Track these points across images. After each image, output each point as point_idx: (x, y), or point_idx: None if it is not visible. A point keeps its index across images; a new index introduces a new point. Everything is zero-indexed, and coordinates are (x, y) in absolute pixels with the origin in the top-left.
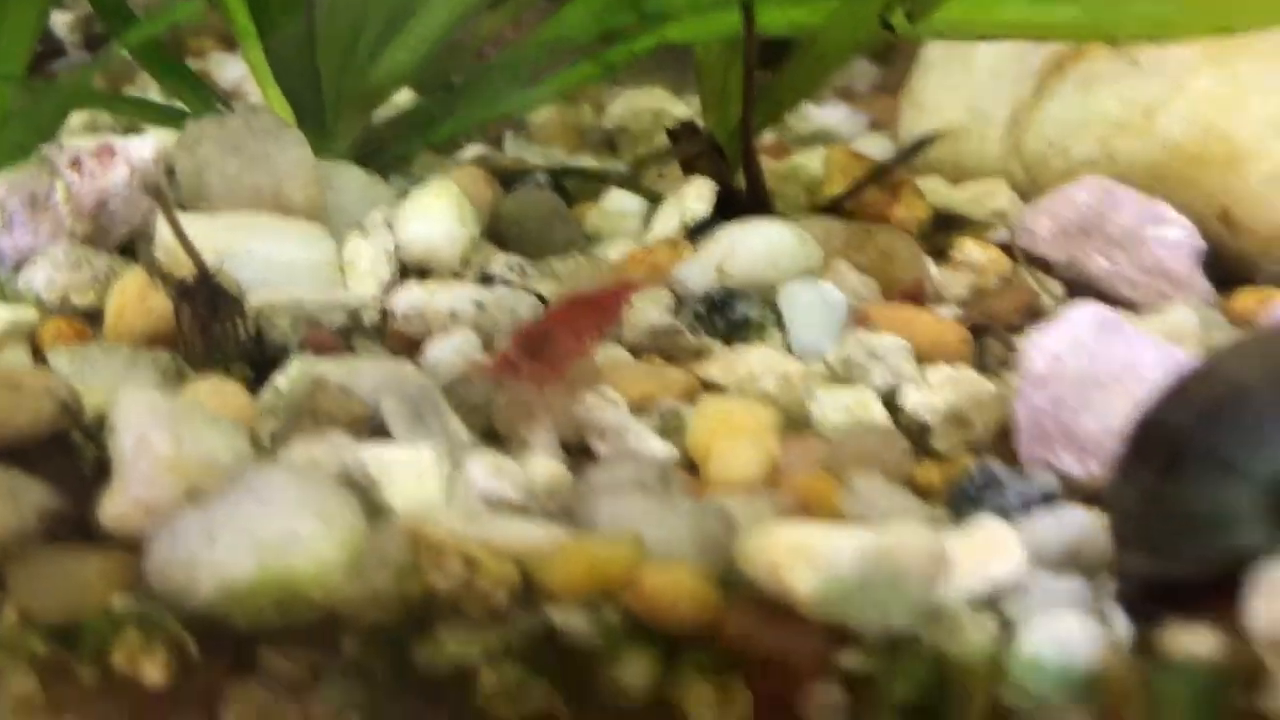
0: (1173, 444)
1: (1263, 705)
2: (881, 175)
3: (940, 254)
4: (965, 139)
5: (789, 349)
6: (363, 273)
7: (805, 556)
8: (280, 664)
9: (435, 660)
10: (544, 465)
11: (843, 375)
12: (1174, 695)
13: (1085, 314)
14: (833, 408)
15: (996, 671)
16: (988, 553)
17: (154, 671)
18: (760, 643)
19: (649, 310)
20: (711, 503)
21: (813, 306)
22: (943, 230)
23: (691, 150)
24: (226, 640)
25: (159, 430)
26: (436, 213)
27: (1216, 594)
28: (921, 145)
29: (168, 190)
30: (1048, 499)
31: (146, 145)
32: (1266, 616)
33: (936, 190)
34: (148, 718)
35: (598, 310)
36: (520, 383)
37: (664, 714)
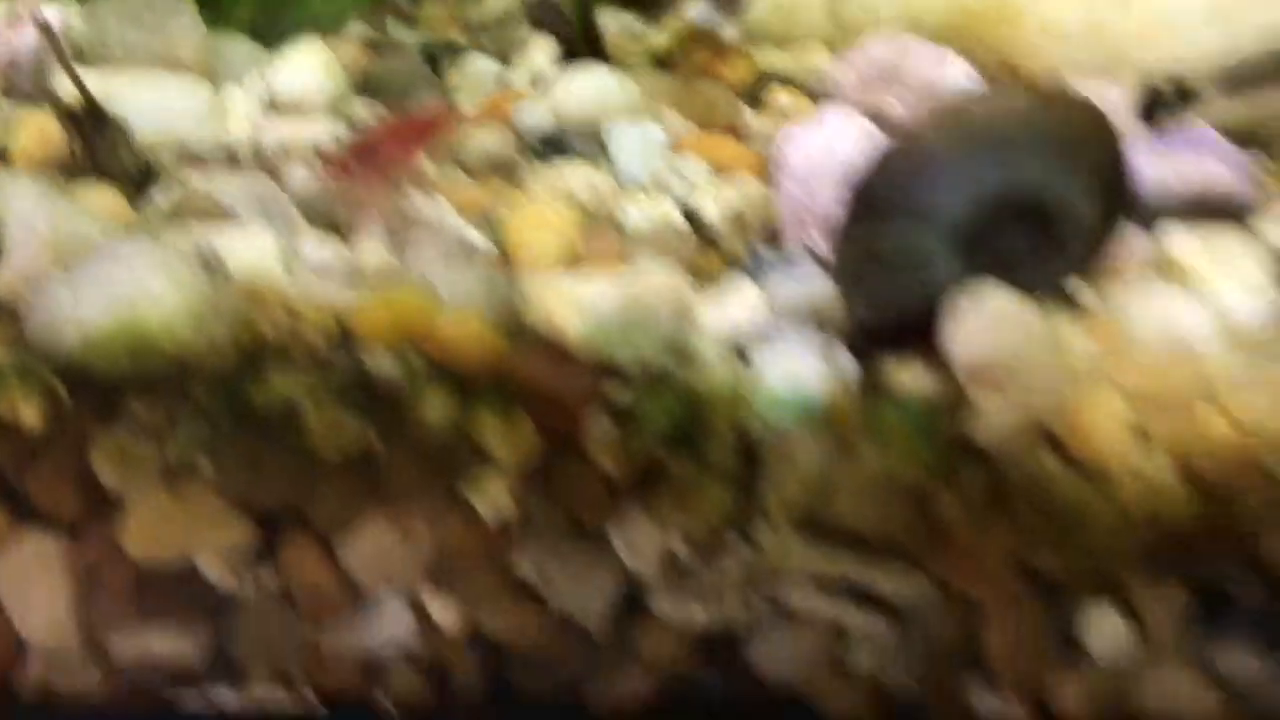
0: (875, 200)
1: (968, 429)
2: (703, 36)
3: (759, 104)
4: (794, 10)
5: (615, 179)
6: (239, 116)
7: (573, 302)
8: (139, 410)
9: (269, 403)
10: (370, 249)
11: (652, 192)
12: (893, 424)
13: (834, 115)
14: (637, 215)
15: (740, 405)
16: (737, 307)
17: (31, 415)
18: (541, 381)
19: (486, 140)
20: (505, 268)
21: (635, 142)
22: (766, 86)
23: (542, 16)
24: (93, 390)
25: (41, 214)
26: (307, 67)
27: (926, 333)
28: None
29: (53, 26)
30: (797, 269)
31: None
32: (959, 344)
33: (766, 55)
34: (26, 459)
35: (423, 128)
36: (351, 181)
37: (462, 446)
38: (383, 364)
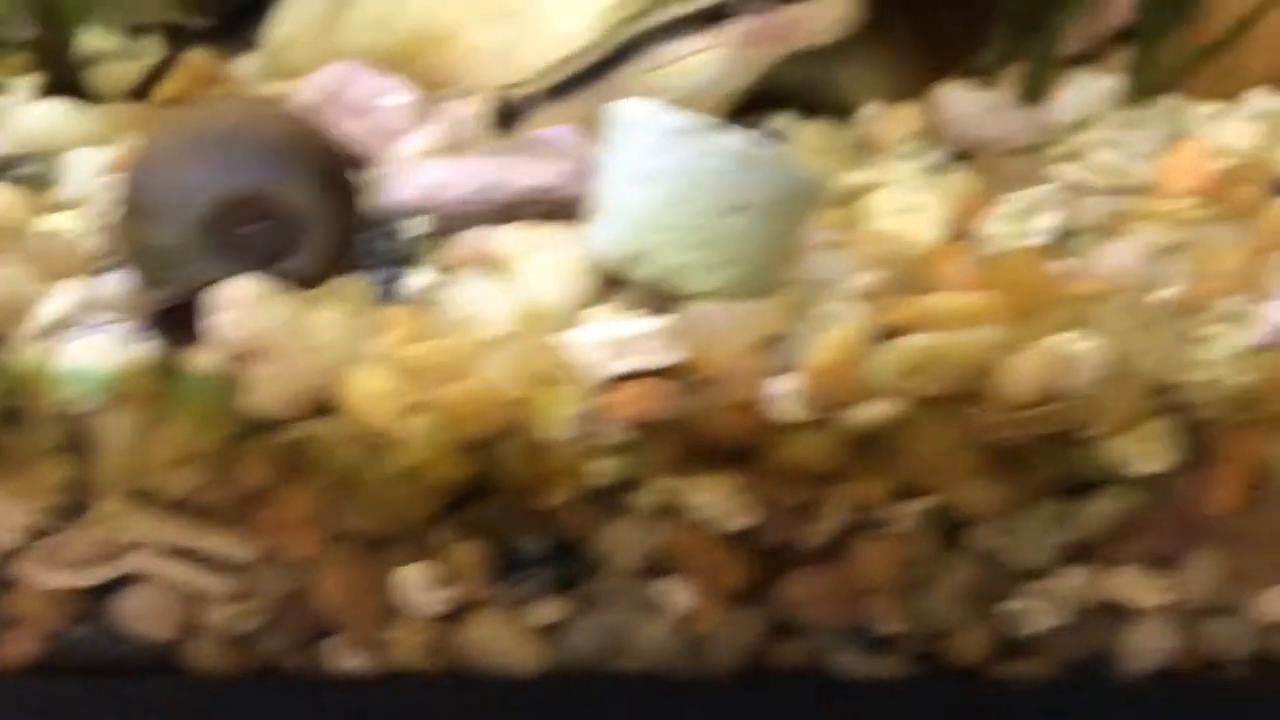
0: (130, 201)
1: (247, 404)
2: (168, 65)
3: None
4: (290, 48)
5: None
6: None
7: None
8: None
9: None
10: None
11: (78, 208)
12: (186, 399)
13: None
14: (44, 226)
15: (47, 383)
16: (63, 300)
17: None
18: None
19: None
20: None
21: (78, 166)
22: None
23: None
24: None
25: None
26: None
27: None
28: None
29: None
30: None
31: None
32: (222, 329)
33: (266, 85)
34: None
35: None
36: None
37: None
38: None
